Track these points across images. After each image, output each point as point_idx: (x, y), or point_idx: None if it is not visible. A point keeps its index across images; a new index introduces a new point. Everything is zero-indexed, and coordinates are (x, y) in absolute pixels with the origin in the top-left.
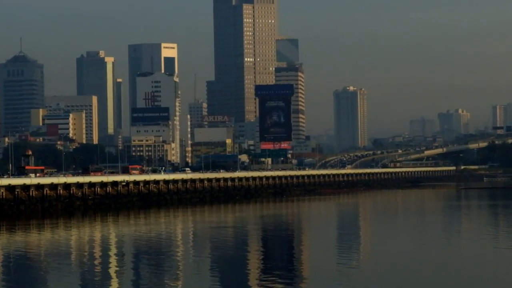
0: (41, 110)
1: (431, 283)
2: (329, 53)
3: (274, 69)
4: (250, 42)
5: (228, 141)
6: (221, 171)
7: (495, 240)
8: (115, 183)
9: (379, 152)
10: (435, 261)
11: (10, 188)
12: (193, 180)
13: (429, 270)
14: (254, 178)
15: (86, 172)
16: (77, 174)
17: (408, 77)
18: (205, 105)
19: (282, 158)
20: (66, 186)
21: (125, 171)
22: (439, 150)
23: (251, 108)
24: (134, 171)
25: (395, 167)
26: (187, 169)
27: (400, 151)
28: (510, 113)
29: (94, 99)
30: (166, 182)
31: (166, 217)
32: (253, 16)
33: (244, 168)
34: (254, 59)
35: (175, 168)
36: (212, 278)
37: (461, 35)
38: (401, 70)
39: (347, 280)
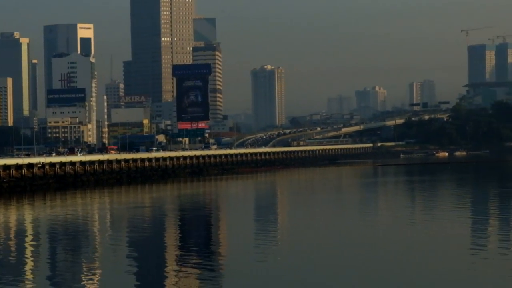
0: None
1: (348, 258)
2: (247, 33)
3: (191, 48)
4: (167, 21)
5: (145, 121)
6: (154, 150)
7: (411, 215)
8: (30, 165)
9: (300, 130)
10: (353, 236)
11: None
12: (109, 161)
13: (347, 245)
14: (171, 158)
15: (105, 151)
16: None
17: (325, 56)
18: (122, 85)
19: (199, 138)
20: None
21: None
22: (356, 128)
23: (169, 88)
24: (112, 151)
25: (298, 145)
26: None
27: (318, 128)
28: (427, 90)
29: (9, 80)
30: (82, 163)
31: (83, 199)
32: None
33: (162, 148)
34: (171, 39)
35: (92, 150)
36: (130, 258)
37: (377, 15)
38: (318, 49)
39: (265, 257)
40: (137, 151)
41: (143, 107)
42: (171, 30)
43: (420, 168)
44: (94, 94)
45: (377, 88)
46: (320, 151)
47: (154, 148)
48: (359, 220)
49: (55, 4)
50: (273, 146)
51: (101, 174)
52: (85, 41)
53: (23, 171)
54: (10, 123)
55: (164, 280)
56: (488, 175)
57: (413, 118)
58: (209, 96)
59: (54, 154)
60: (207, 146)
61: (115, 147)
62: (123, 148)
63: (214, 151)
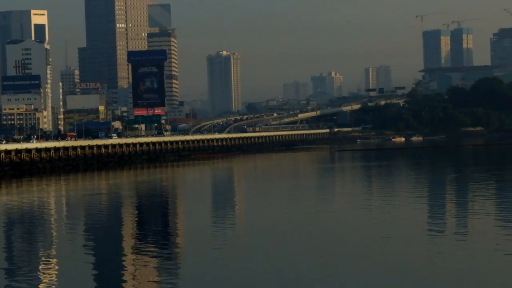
0: None
1: (304, 244)
2: (202, 18)
3: (146, 34)
4: (122, 7)
5: (101, 108)
6: (114, 136)
7: (368, 200)
8: None
9: (257, 116)
10: (309, 223)
11: None
12: (66, 148)
13: (304, 231)
14: (127, 145)
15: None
16: None
17: (280, 41)
18: (77, 72)
19: (156, 124)
20: None
21: None
22: (312, 113)
23: (124, 74)
24: (69, 138)
25: (253, 131)
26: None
27: (275, 114)
28: (382, 75)
29: None
30: (38, 150)
31: (39, 186)
32: None
33: (118, 134)
34: (126, 25)
35: (47, 137)
36: (86, 246)
37: (333, 0)
38: (274, 35)
39: (222, 244)
40: (96, 137)
41: (99, 94)
42: (126, 16)
43: (376, 153)
44: (49, 81)
45: (333, 74)
46: (277, 137)
47: (114, 135)
48: (316, 206)
49: None
50: (230, 132)
51: (57, 161)
52: (39, 28)
53: None
54: None
55: (121, 269)
56: (444, 160)
57: (369, 104)
58: (165, 82)
59: (4, 142)
60: (160, 133)
61: (74, 134)
62: (81, 135)
63: (170, 138)
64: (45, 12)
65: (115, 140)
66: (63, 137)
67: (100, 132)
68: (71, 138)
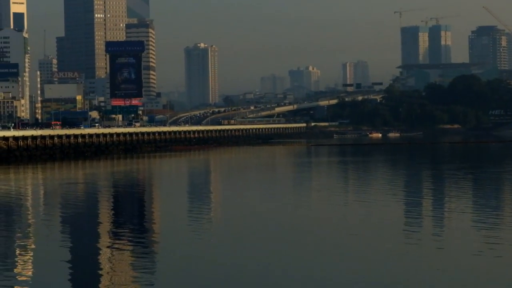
0: None
1: (280, 238)
2: (180, 10)
3: (124, 25)
4: None
5: (79, 97)
6: (97, 125)
7: (344, 196)
8: None
9: (234, 108)
10: (286, 217)
11: None
12: (43, 137)
13: (279, 225)
14: (104, 135)
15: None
16: None
17: (258, 35)
18: (55, 61)
19: (133, 115)
20: None
21: None
22: (289, 107)
23: (102, 64)
24: (57, 127)
25: (229, 124)
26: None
27: (252, 107)
28: (360, 70)
29: None
30: (15, 138)
31: (16, 174)
32: None
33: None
34: (105, 15)
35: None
36: (63, 235)
37: None
38: (252, 28)
39: (199, 236)
40: (78, 127)
41: (76, 83)
42: (105, 6)
43: (353, 148)
44: (27, 70)
45: (310, 68)
46: (254, 130)
47: (97, 124)
48: (292, 200)
49: None
50: (206, 124)
51: (35, 150)
52: (18, 16)
53: None
54: None
55: (98, 260)
56: (421, 156)
57: (346, 99)
58: (142, 73)
59: None
60: (130, 124)
61: (59, 123)
62: (64, 125)
63: (147, 128)
64: (24, 0)
65: (92, 129)
66: (47, 125)
67: (84, 122)
68: (55, 127)
